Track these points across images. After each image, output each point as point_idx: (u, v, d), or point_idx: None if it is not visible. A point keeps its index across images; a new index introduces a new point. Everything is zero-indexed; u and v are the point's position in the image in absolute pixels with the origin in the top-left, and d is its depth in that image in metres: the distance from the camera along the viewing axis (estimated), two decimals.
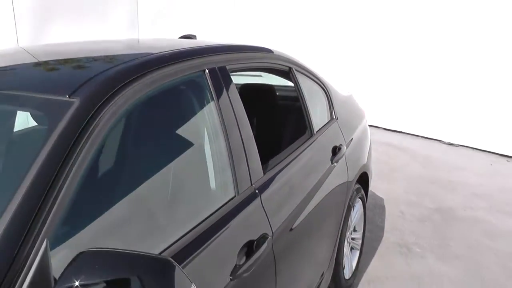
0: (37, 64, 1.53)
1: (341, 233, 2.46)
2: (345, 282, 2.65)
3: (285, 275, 1.67)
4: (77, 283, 0.85)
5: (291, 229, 1.75)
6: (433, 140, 6.25)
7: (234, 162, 1.52)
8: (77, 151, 1.03)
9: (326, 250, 2.26)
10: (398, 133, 6.57)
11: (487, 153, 5.66)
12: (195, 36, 2.58)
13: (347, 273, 2.68)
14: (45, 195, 0.94)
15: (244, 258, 1.40)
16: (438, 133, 6.23)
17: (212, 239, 1.32)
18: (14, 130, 1.54)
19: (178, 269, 0.93)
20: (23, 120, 1.54)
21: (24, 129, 1.57)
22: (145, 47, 1.96)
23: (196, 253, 1.24)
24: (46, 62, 1.56)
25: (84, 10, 5.77)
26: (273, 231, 1.59)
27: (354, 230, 2.86)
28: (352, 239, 2.82)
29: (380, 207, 3.98)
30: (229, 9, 7.39)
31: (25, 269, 0.87)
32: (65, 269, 0.87)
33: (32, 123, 1.56)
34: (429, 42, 6.10)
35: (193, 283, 0.94)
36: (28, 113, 1.45)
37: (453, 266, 3.07)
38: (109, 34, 5.99)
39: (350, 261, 2.76)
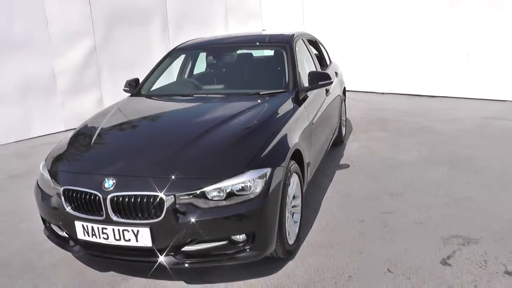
0: (257, 35, 4.56)
1: (340, 113, 5.58)
2: (342, 136, 5.77)
3: (326, 127, 4.66)
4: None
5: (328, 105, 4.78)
6: (369, 92, 9.60)
7: (316, 67, 4.60)
8: (294, 53, 4.04)
9: (337, 118, 5.33)
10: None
11: (405, 95, 9.06)
12: (265, 29, 5.62)
13: (343, 133, 5.82)
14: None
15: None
16: (372, 87, 9.57)
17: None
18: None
19: (328, 73, 3.95)
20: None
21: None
22: (280, 32, 4.91)
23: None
24: (258, 35, 4.58)
25: (134, 19, 8.49)
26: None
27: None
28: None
29: (348, 120, 7.15)
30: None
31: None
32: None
33: None
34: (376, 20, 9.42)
35: (333, 78, 3.97)
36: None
37: (388, 133, 6.28)
38: (151, 35, 8.76)
39: (342, 129, 5.89)
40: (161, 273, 2.98)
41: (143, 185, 2.65)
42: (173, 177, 2.66)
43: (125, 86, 4.53)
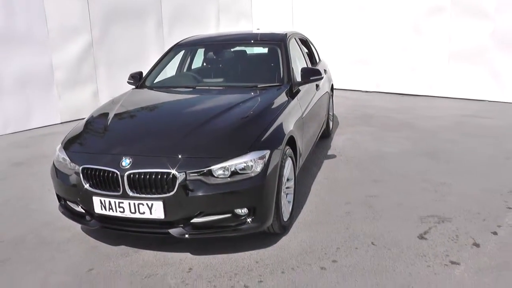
0: (253, 34, 4.92)
1: (328, 108, 5.96)
2: (330, 130, 6.17)
3: (316, 119, 5.03)
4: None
5: (317, 100, 5.16)
6: (355, 91, 10.03)
7: (307, 64, 4.96)
8: (288, 50, 4.40)
9: (326, 112, 5.71)
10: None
11: (389, 93, 9.51)
12: (259, 28, 5.98)
13: (330, 126, 6.21)
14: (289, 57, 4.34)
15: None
16: (358, 86, 10.00)
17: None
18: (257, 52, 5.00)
19: (319, 70, 4.34)
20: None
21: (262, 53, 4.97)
22: (273, 31, 5.25)
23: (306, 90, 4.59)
24: (254, 33, 4.93)
25: (130, 17, 8.77)
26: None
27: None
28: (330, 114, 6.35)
29: (335, 116, 7.55)
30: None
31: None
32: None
33: None
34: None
35: (323, 74, 4.35)
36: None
37: (373, 128, 6.69)
38: (146, 32, 9.04)
39: (330, 123, 6.28)
40: (169, 245, 3.32)
41: (157, 163, 2.98)
42: (184, 156, 3.01)
43: (129, 79, 4.83)
